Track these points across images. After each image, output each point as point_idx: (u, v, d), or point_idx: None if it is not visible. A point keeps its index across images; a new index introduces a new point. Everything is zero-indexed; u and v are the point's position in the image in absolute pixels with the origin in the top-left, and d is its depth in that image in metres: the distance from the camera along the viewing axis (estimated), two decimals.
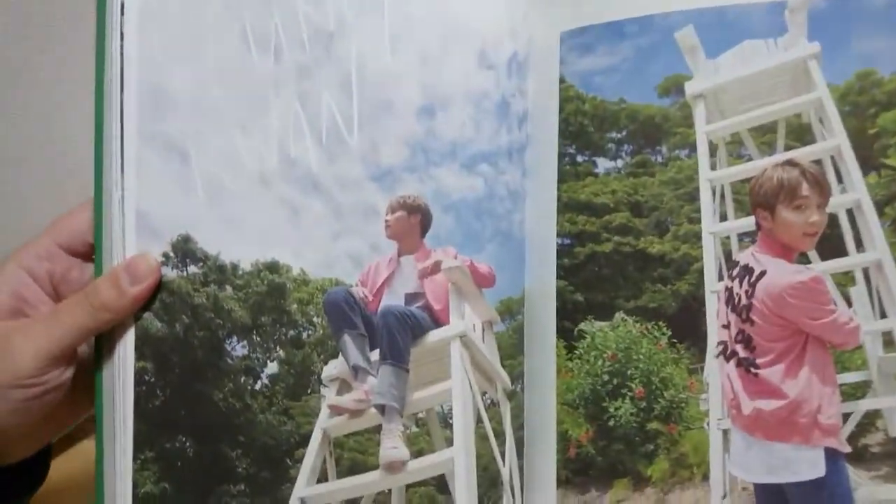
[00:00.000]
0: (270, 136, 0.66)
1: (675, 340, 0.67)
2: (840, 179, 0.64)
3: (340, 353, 0.68)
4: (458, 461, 0.66)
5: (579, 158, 0.71)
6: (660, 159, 0.69)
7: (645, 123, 0.69)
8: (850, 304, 0.65)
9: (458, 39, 0.69)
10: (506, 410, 0.70)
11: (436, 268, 0.70)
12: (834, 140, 0.63)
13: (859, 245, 0.64)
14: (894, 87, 0.58)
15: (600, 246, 0.69)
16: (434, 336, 0.70)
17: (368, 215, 0.67)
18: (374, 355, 0.69)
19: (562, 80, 0.70)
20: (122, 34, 0.65)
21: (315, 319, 0.68)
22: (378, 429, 0.67)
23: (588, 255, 0.70)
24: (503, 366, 0.70)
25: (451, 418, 0.68)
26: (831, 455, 0.63)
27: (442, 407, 0.70)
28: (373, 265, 0.70)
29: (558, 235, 0.70)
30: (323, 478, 0.67)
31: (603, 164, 0.70)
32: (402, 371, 0.67)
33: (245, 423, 0.66)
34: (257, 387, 0.67)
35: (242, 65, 0.66)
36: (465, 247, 0.69)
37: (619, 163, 0.70)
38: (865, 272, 0.64)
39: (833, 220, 0.64)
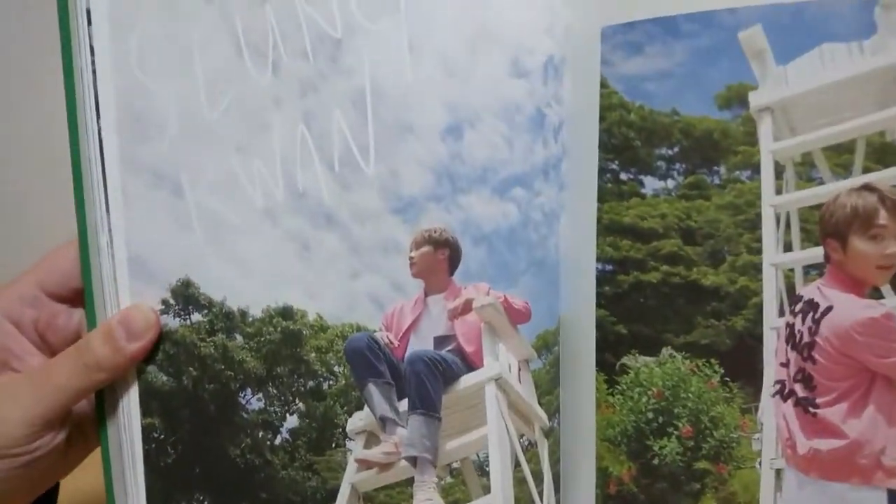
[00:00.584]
0: (274, 161, 0.58)
1: (727, 379, 0.63)
2: None
3: (366, 404, 0.63)
4: None
5: (623, 176, 0.63)
6: (717, 181, 0.61)
7: (701, 139, 0.61)
8: None
9: (488, 43, 0.60)
10: (543, 449, 0.66)
11: (467, 307, 0.63)
12: None
13: None
14: None
15: (647, 275, 0.63)
16: (467, 381, 0.65)
17: (390, 251, 0.60)
18: (403, 405, 0.64)
19: (603, 85, 0.62)
20: (91, 48, 0.55)
21: (336, 368, 0.62)
22: (410, 482, 0.63)
23: (632, 284, 0.64)
24: (540, 403, 0.66)
25: (487, 466, 0.64)
26: (893, 498, 0.60)
27: (478, 454, 0.66)
28: (397, 307, 0.63)
29: (598, 261, 0.64)
30: None
31: (651, 183, 0.63)
32: (434, 420, 0.63)
33: (266, 479, 0.61)
34: (277, 441, 0.62)
35: (236, 77, 0.58)
36: (498, 281, 0.62)
37: (670, 183, 0.63)
38: None
39: None
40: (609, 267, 0.64)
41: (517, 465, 0.65)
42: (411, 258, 0.61)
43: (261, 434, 0.62)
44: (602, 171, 0.63)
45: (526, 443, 0.67)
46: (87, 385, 0.55)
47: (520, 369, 0.67)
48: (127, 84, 0.55)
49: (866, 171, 0.58)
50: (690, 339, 0.63)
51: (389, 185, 0.59)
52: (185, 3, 0.56)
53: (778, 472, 0.64)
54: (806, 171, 0.60)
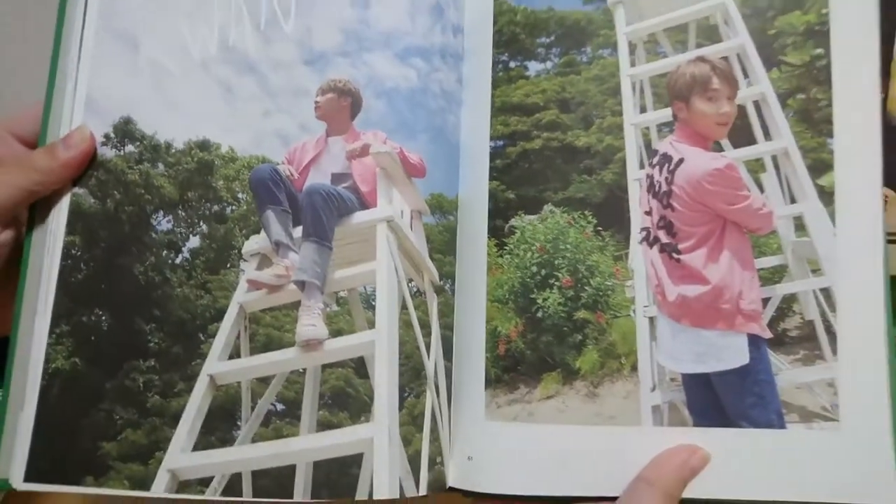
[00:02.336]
0: (213, 23, 0.71)
1: (600, 228, 0.70)
2: (746, 74, 0.69)
3: (263, 229, 0.69)
4: (379, 343, 0.66)
5: (512, 64, 0.75)
6: (585, 59, 0.74)
7: (571, 27, 0.74)
8: (762, 190, 0.68)
9: None
10: (432, 303, 0.71)
11: (364, 150, 0.72)
12: (738, 39, 0.69)
13: (767, 135, 0.68)
14: None
15: (530, 143, 0.73)
16: (360, 217, 0.72)
17: (299, 96, 0.71)
18: (298, 232, 0.70)
19: None
20: None
21: (240, 195, 0.70)
22: (296, 305, 0.67)
23: (519, 154, 0.73)
24: (432, 259, 0.72)
25: (374, 300, 0.69)
26: (754, 341, 0.65)
27: (365, 288, 0.71)
28: (300, 144, 0.72)
29: (492, 138, 0.73)
30: (235, 354, 0.66)
31: (534, 66, 0.75)
32: (325, 248, 0.68)
33: (162, 296, 0.66)
34: (178, 260, 0.68)
35: None
36: (396, 134, 0.72)
37: (549, 64, 0.75)
38: (774, 160, 0.68)
39: (742, 111, 0.69)
40: (500, 143, 0.74)
41: (404, 307, 0.69)
42: (317, 102, 0.71)
43: (164, 253, 0.68)
44: (495, 63, 0.75)
45: (415, 289, 0.71)
46: (26, 184, 0.62)
47: (412, 218, 0.73)
48: None
49: (698, 46, 0.71)
50: (567, 194, 0.71)
51: (304, 40, 0.71)
52: None
53: (652, 320, 0.68)
54: (653, 48, 0.73)
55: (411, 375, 0.67)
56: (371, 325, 0.67)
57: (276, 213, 0.69)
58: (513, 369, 0.68)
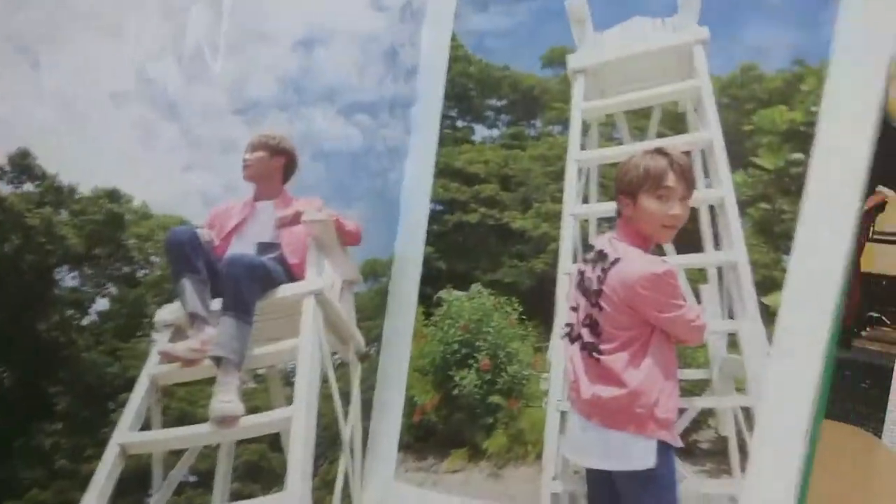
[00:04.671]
0: (128, 50, 0.64)
1: (525, 317, 0.72)
2: (707, 174, 0.68)
3: (178, 298, 0.67)
4: (296, 420, 0.68)
5: (459, 123, 0.73)
6: (533, 133, 0.72)
7: (525, 94, 0.71)
8: (699, 301, 0.69)
9: None
10: (356, 371, 0.73)
11: (296, 218, 0.69)
12: (707, 133, 0.66)
13: (717, 243, 0.68)
14: (776, 84, 0.62)
15: (468, 215, 0.73)
16: (286, 291, 0.70)
17: (227, 150, 0.66)
18: (216, 304, 0.68)
19: (452, 38, 0.72)
20: None
21: (153, 258, 0.67)
22: (213, 381, 0.67)
23: (456, 224, 0.73)
24: (360, 327, 0.72)
25: (293, 377, 0.70)
26: (663, 447, 0.67)
27: (286, 364, 0.71)
28: (225, 207, 0.69)
29: (432, 201, 0.72)
30: (147, 426, 0.67)
31: (480, 131, 0.73)
32: (245, 324, 0.67)
33: (69, 358, 0.65)
34: (84, 322, 0.66)
35: None
36: (333, 200, 0.69)
37: (496, 132, 0.73)
38: (719, 271, 0.69)
39: (694, 214, 0.68)
40: (439, 207, 0.73)
41: (325, 381, 0.71)
42: (246, 160, 0.67)
43: (70, 312, 0.65)
44: (444, 117, 0.72)
45: (338, 361, 0.73)
46: None
47: (342, 289, 0.73)
48: None
49: (660, 136, 0.69)
50: (497, 276, 0.72)
51: (235, 85, 0.65)
52: None
53: (563, 415, 0.72)
54: (608, 131, 0.71)
55: (328, 444, 0.70)
56: (289, 401, 0.68)
57: (193, 282, 0.66)
58: (424, 439, 0.73)
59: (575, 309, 0.71)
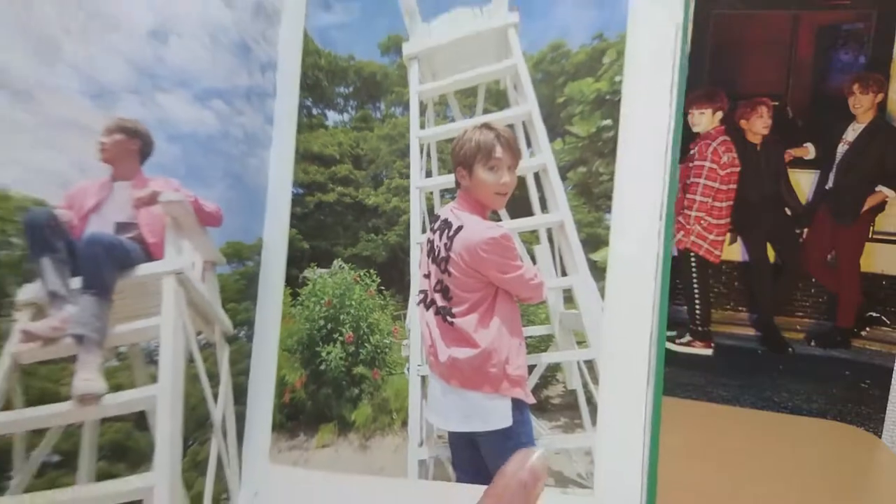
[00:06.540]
0: None
1: (383, 288, 0.79)
2: (529, 144, 0.76)
3: (38, 277, 0.68)
4: (162, 398, 0.70)
5: (314, 111, 0.80)
6: (378, 115, 0.80)
7: (368, 80, 0.79)
8: (535, 261, 0.77)
9: None
10: (223, 353, 0.76)
11: (153, 198, 0.73)
12: (526, 106, 0.74)
13: (544, 207, 0.76)
14: (581, 59, 0.71)
15: (326, 195, 0.79)
16: (145, 270, 0.73)
17: (81, 133, 0.70)
18: (76, 283, 0.70)
19: (304, 34, 0.79)
20: None
21: (13, 239, 0.68)
22: (74, 359, 0.69)
23: (316, 205, 0.79)
24: (226, 309, 0.76)
25: (157, 355, 0.73)
26: (518, 406, 0.74)
27: (149, 343, 0.74)
28: (81, 187, 0.71)
29: (294, 185, 0.78)
30: (8, 406, 0.67)
31: (332, 116, 0.80)
32: (105, 301, 0.70)
33: None
34: None
35: None
36: (190, 181, 0.73)
37: (346, 116, 0.80)
38: (549, 232, 0.77)
39: (522, 182, 0.76)
40: (300, 190, 0.79)
41: (191, 360, 0.74)
42: (102, 143, 0.70)
43: None
44: (301, 106, 0.79)
45: (203, 342, 0.76)
46: None
47: (204, 269, 0.76)
48: None
49: (486, 112, 0.78)
50: (355, 251, 0.79)
51: (87, 69, 0.69)
52: None
53: (423, 380, 0.78)
54: (443, 110, 0.80)
55: (195, 426, 0.73)
56: (153, 379, 0.71)
57: (52, 261, 0.68)
58: (294, 417, 0.77)
59: (427, 276, 0.78)
